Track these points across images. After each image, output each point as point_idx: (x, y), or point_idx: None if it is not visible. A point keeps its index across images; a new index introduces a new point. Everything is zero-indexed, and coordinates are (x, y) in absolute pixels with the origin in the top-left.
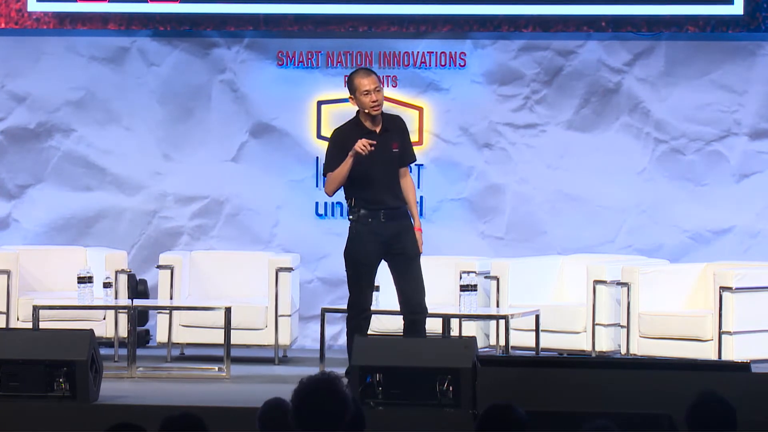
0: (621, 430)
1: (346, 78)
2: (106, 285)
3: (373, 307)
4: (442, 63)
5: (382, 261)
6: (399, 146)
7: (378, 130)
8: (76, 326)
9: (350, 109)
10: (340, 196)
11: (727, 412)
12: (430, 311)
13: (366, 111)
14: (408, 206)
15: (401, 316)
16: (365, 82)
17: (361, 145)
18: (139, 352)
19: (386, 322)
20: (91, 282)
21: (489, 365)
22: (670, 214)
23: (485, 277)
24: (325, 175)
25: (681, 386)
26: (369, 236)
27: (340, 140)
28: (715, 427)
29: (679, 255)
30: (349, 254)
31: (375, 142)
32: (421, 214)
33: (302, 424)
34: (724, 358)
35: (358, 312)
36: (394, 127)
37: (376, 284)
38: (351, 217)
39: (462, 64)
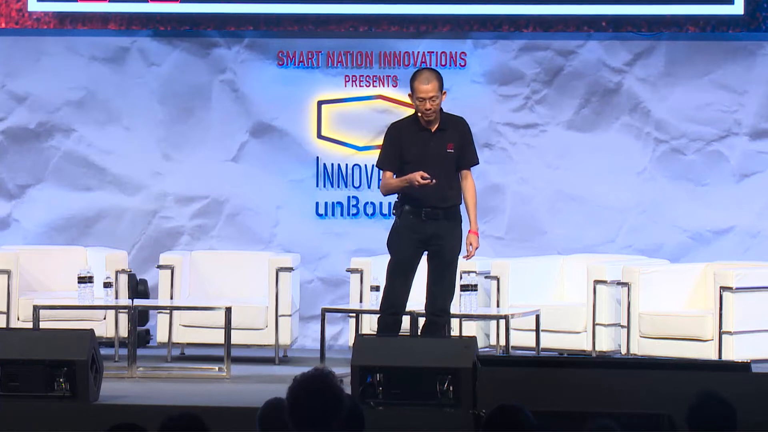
0: (621, 430)
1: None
2: (107, 285)
3: None
4: (443, 63)
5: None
6: (455, 147)
7: (434, 129)
8: (76, 326)
9: (350, 110)
10: (339, 196)
11: (728, 412)
12: None
13: (419, 115)
14: (466, 208)
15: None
16: (422, 89)
17: (419, 177)
18: (140, 352)
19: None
20: (91, 282)
21: (489, 365)
22: (670, 214)
23: (485, 277)
24: (377, 166)
25: (681, 386)
26: (406, 233)
27: (395, 136)
28: (715, 428)
29: (679, 255)
30: (388, 247)
31: (434, 182)
32: None
33: (297, 421)
34: (724, 358)
35: (386, 307)
36: (453, 127)
37: None
38: (395, 211)
39: (462, 64)
